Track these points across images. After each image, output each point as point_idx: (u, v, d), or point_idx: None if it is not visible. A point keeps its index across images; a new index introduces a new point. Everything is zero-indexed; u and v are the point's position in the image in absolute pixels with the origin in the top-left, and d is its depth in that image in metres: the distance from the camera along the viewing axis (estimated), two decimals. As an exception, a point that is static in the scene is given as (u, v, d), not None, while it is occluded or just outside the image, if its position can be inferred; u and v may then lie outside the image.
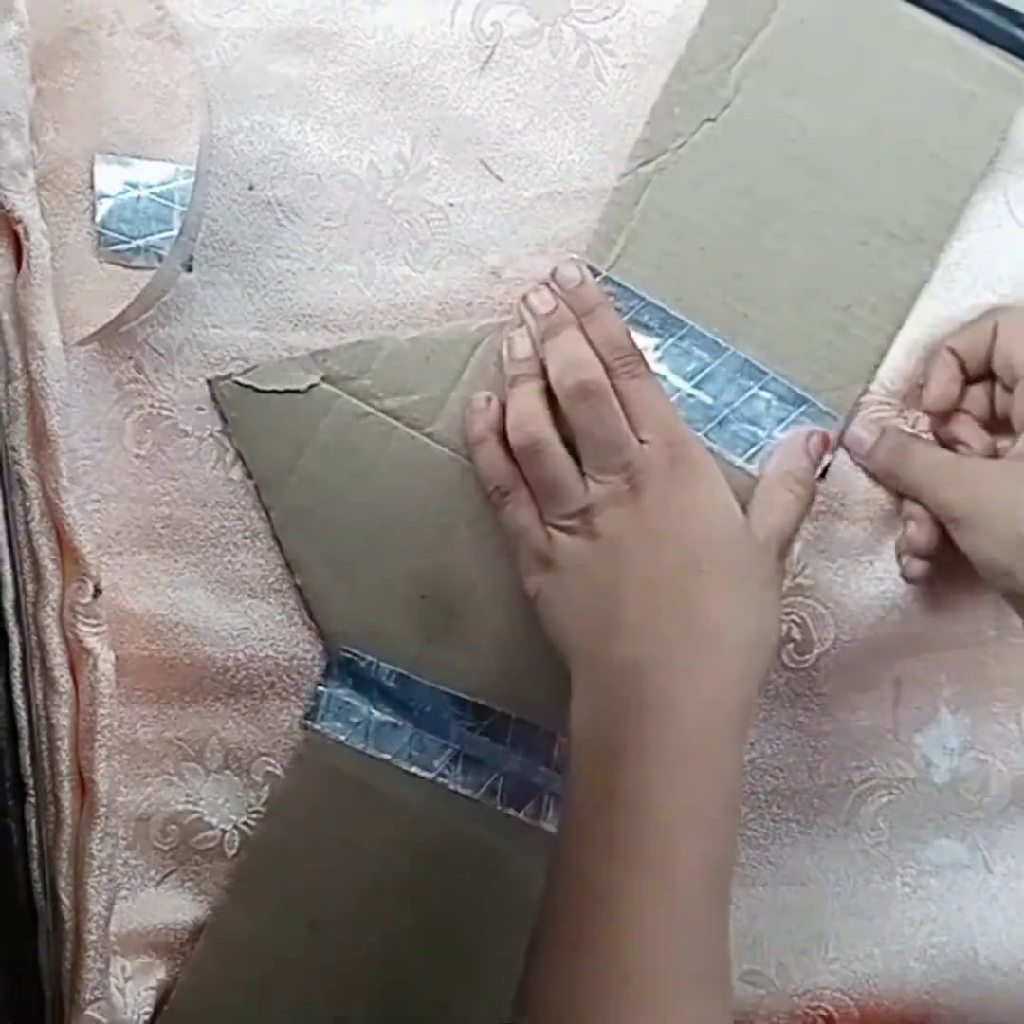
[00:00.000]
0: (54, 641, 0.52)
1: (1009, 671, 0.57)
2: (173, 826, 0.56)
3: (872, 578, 0.55)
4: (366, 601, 0.55)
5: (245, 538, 0.56)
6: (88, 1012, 0.51)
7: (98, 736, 0.52)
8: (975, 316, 0.55)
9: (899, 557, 0.55)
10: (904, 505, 0.55)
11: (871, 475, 0.55)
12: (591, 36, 0.55)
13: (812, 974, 0.56)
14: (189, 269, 0.55)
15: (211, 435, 0.56)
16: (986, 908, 0.57)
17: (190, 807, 0.56)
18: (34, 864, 0.52)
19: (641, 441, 0.52)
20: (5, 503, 0.52)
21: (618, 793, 0.47)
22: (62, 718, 0.52)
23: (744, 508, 0.53)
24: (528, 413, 0.53)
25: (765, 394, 0.55)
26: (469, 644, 0.55)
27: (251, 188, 0.55)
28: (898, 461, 0.54)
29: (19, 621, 0.52)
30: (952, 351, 0.54)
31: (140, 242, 0.53)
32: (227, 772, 0.56)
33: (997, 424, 0.54)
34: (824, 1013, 0.56)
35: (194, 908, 0.56)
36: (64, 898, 0.52)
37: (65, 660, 0.52)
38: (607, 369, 0.52)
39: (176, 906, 0.56)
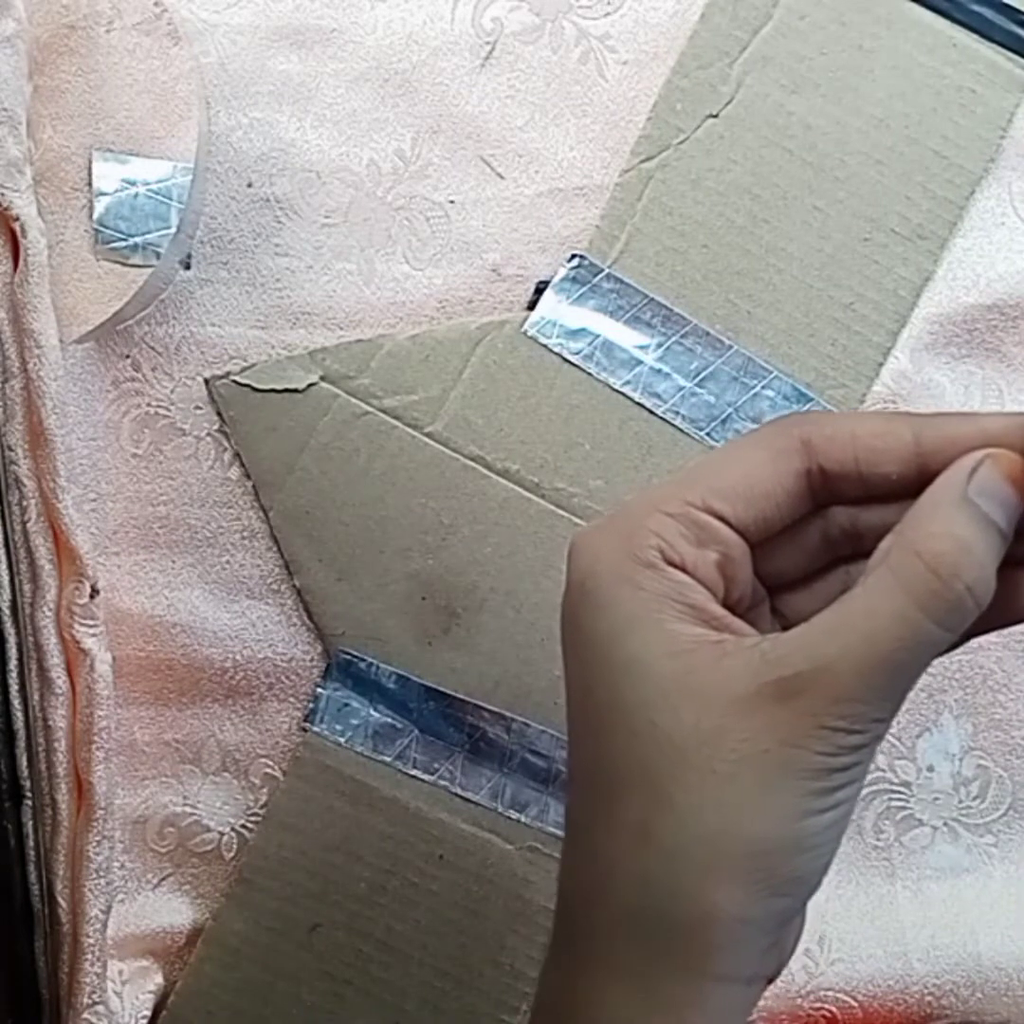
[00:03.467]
0: (51, 642, 0.52)
1: (1011, 677, 0.57)
2: (170, 829, 0.56)
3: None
4: (365, 602, 0.55)
5: (243, 538, 0.56)
6: (86, 1016, 0.51)
7: (95, 737, 0.52)
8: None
9: None
10: None
11: None
12: (592, 32, 0.55)
13: (815, 975, 0.56)
14: (187, 267, 0.55)
15: (209, 434, 0.55)
16: (987, 912, 0.57)
17: (188, 809, 0.56)
18: (31, 867, 0.52)
19: None
20: (2, 503, 0.52)
21: None
22: (59, 719, 0.52)
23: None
24: None
25: (768, 392, 0.55)
26: (469, 645, 0.55)
27: (250, 185, 0.55)
28: None
29: (16, 622, 0.52)
30: None
31: (138, 239, 0.53)
32: (225, 774, 0.56)
33: None
34: (827, 1014, 0.56)
35: (192, 911, 0.56)
36: (61, 901, 0.52)
37: (62, 661, 0.52)
38: None
39: (174, 909, 0.56)
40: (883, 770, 0.57)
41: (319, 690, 0.56)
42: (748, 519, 0.35)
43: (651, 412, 0.55)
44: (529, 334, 0.55)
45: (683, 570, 0.34)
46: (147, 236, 0.53)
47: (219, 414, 0.55)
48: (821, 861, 0.34)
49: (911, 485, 0.34)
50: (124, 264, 0.53)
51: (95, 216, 0.53)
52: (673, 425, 0.55)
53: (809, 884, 0.34)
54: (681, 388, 0.55)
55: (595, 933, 0.35)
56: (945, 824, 0.57)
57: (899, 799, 0.57)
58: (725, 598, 0.36)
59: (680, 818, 0.33)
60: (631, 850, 0.34)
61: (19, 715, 0.52)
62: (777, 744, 0.32)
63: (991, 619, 0.34)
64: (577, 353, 0.55)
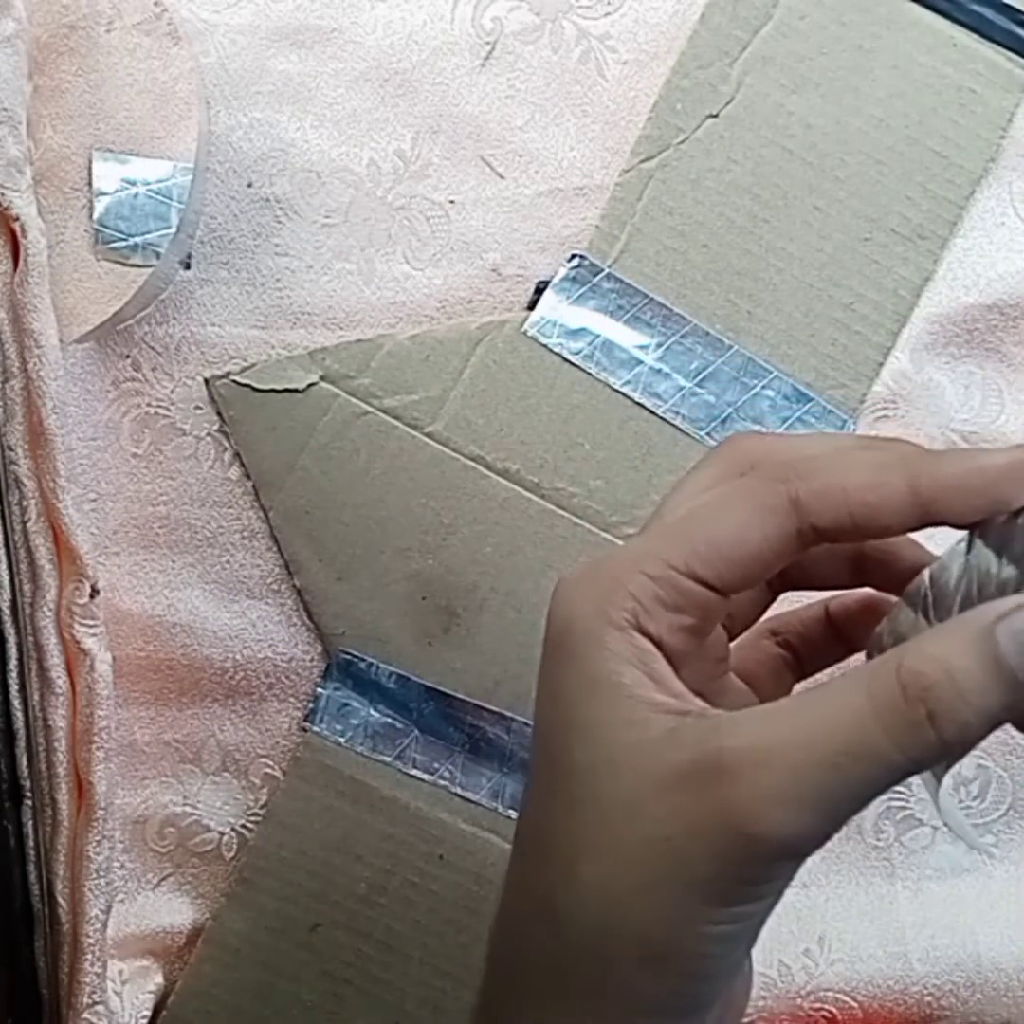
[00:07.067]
0: (51, 642, 0.52)
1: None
2: (170, 828, 0.56)
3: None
4: (365, 602, 0.55)
5: (243, 538, 0.56)
6: (86, 1016, 0.51)
7: (95, 737, 0.52)
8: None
9: None
10: None
11: None
12: (592, 32, 0.55)
13: (815, 976, 0.56)
14: (187, 267, 0.55)
15: (209, 434, 0.55)
16: (987, 912, 0.57)
17: (188, 809, 0.56)
18: (31, 867, 0.52)
19: None
20: (2, 503, 0.52)
21: None
22: (59, 719, 0.52)
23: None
24: None
25: (768, 392, 0.55)
26: (469, 644, 0.55)
27: (250, 185, 0.55)
28: None
29: (16, 622, 0.52)
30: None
31: (138, 239, 0.53)
32: (225, 774, 0.56)
33: None
34: (827, 1014, 0.56)
35: (192, 911, 0.56)
36: (62, 901, 0.52)
37: (62, 661, 0.52)
38: None
39: (174, 909, 0.56)
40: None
41: (319, 690, 0.56)
42: (732, 580, 0.33)
43: (651, 412, 0.55)
44: (529, 334, 0.55)
45: (654, 639, 0.32)
46: (147, 236, 0.53)
47: (219, 414, 0.55)
48: (718, 968, 0.31)
49: (911, 529, 0.32)
50: (124, 264, 0.53)
51: (95, 216, 0.53)
52: (673, 425, 0.55)
53: (706, 987, 0.32)
54: (681, 388, 0.55)
55: (504, 1000, 0.34)
56: (945, 824, 0.57)
57: (899, 799, 0.57)
58: (698, 657, 0.34)
59: (581, 895, 0.31)
60: (535, 921, 0.32)
61: (19, 715, 0.52)
62: (682, 832, 0.30)
63: None
64: (577, 353, 0.55)
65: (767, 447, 0.35)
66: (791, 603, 0.40)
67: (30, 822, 0.52)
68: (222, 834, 0.56)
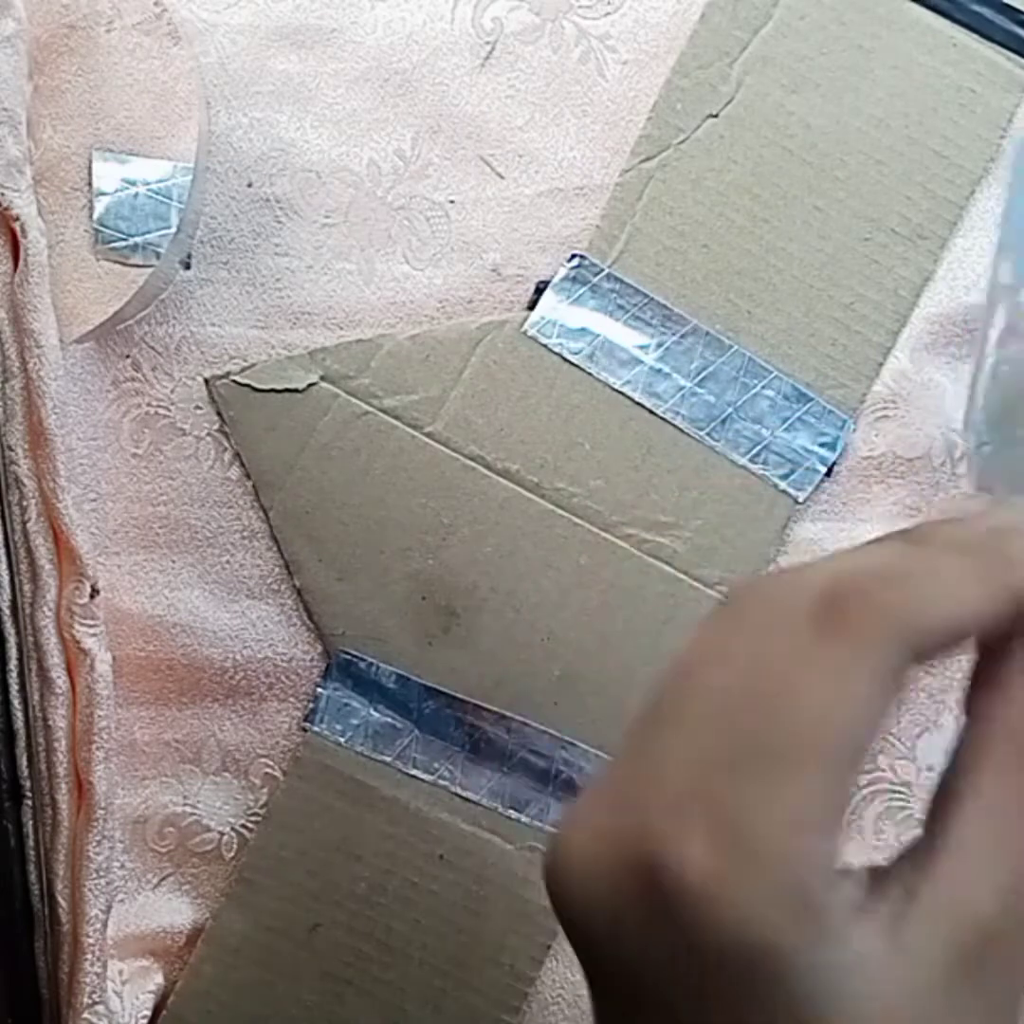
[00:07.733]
0: (51, 642, 0.52)
1: (1011, 676, 0.57)
2: (170, 828, 0.56)
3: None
4: (365, 602, 0.55)
5: (243, 538, 0.56)
6: (86, 1015, 0.51)
7: (96, 737, 0.52)
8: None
9: None
10: None
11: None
12: (592, 32, 0.55)
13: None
14: (187, 267, 0.55)
15: (209, 434, 0.55)
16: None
17: (188, 809, 0.56)
18: (31, 867, 0.52)
19: None
20: (2, 503, 0.52)
21: None
22: (59, 719, 0.52)
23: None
24: None
25: (768, 392, 0.55)
26: (469, 644, 0.55)
27: (250, 185, 0.55)
28: None
29: (16, 622, 0.52)
30: None
31: (138, 239, 0.53)
32: (225, 774, 0.56)
33: None
34: (827, 1015, 0.56)
35: (192, 911, 0.56)
36: (62, 901, 0.52)
37: (62, 661, 0.52)
38: None
39: (174, 909, 0.56)
40: (883, 770, 0.57)
41: (319, 690, 0.56)
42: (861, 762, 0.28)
43: (651, 412, 0.55)
44: (529, 334, 0.55)
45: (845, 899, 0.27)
46: (147, 236, 0.53)
47: (219, 414, 0.55)
48: None
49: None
50: (124, 264, 0.53)
51: (95, 216, 0.53)
52: (673, 425, 0.55)
53: None
54: (681, 388, 0.55)
55: None
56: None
57: (899, 799, 0.57)
58: None
59: None
60: None
61: (19, 715, 0.52)
62: None
63: None
64: (577, 353, 0.55)
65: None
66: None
67: (30, 822, 0.52)
68: (222, 834, 0.56)
